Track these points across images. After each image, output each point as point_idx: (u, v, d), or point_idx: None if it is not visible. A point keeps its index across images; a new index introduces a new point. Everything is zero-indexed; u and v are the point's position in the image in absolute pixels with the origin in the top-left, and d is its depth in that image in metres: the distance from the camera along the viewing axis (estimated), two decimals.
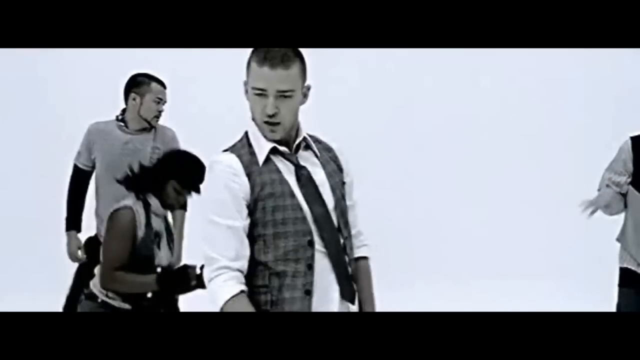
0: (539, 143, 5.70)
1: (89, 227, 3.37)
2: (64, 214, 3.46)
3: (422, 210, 5.52)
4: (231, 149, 1.79)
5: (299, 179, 1.75)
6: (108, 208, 2.69)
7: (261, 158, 1.74)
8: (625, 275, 2.81)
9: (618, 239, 2.93)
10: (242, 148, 1.78)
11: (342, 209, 1.84)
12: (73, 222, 3.46)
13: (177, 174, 2.61)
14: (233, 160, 1.73)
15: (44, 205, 5.17)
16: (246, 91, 1.77)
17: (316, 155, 1.87)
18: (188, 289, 2.52)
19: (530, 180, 5.66)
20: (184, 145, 3.20)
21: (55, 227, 4.55)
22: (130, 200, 2.59)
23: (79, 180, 3.40)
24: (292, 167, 1.78)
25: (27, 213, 5.01)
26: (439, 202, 5.59)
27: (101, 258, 2.58)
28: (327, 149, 1.93)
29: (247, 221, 1.70)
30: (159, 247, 2.64)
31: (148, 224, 2.59)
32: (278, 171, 1.75)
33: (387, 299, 3.29)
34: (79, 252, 3.38)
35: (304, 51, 1.83)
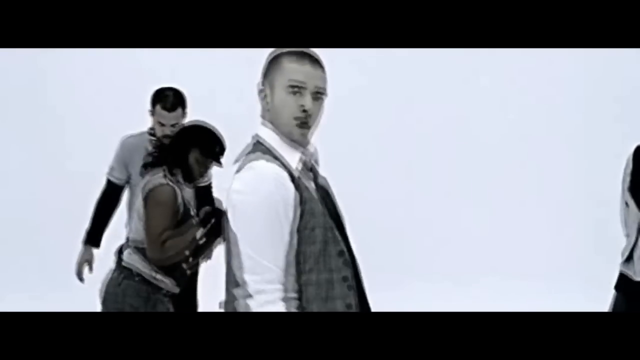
0: (539, 143, 5.70)
1: (116, 237, 3.24)
2: (84, 223, 3.36)
3: (422, 210, 5.52)
4: (260, 158, 1.58)
5: (316, 189, 1.65)
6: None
7: (294, 165, 1.59)
8: (620, 280, 2.81)
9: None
10: (266, 154, 1.58)
11: None
12: (94, 237, 3.36)
13: (198, 143, 2.66)
14: (277, 168, 1.55)
15: (44, 205, 5.18)
16: (263, 94, 1.65)
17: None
18: (220, 228, 2.47)
19: (530, 180, 5.66)
20: None
21: (55, 227, 4.57)
22: (161, 178, 2.64)
23: (111, 195, 3.36)
24: (311, 175, 1.67)
25: (27, 213, 5.01)
26: (439, 202, 5.59)
27: (147, 236, 2.62)
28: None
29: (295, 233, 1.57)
30: (192, 217, 2.73)
31: (182, 196, 2.68)
32: (305, 185, 1.60)
33: (387, 299, 3.29)
34: (86, 269, 3.35)
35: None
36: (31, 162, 5.38)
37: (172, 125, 3.10)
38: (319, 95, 1.60)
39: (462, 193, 5.65)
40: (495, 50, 4.80)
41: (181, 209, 2.68)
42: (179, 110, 3.13)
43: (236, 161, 1.66)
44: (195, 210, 2.84)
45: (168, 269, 2.70)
